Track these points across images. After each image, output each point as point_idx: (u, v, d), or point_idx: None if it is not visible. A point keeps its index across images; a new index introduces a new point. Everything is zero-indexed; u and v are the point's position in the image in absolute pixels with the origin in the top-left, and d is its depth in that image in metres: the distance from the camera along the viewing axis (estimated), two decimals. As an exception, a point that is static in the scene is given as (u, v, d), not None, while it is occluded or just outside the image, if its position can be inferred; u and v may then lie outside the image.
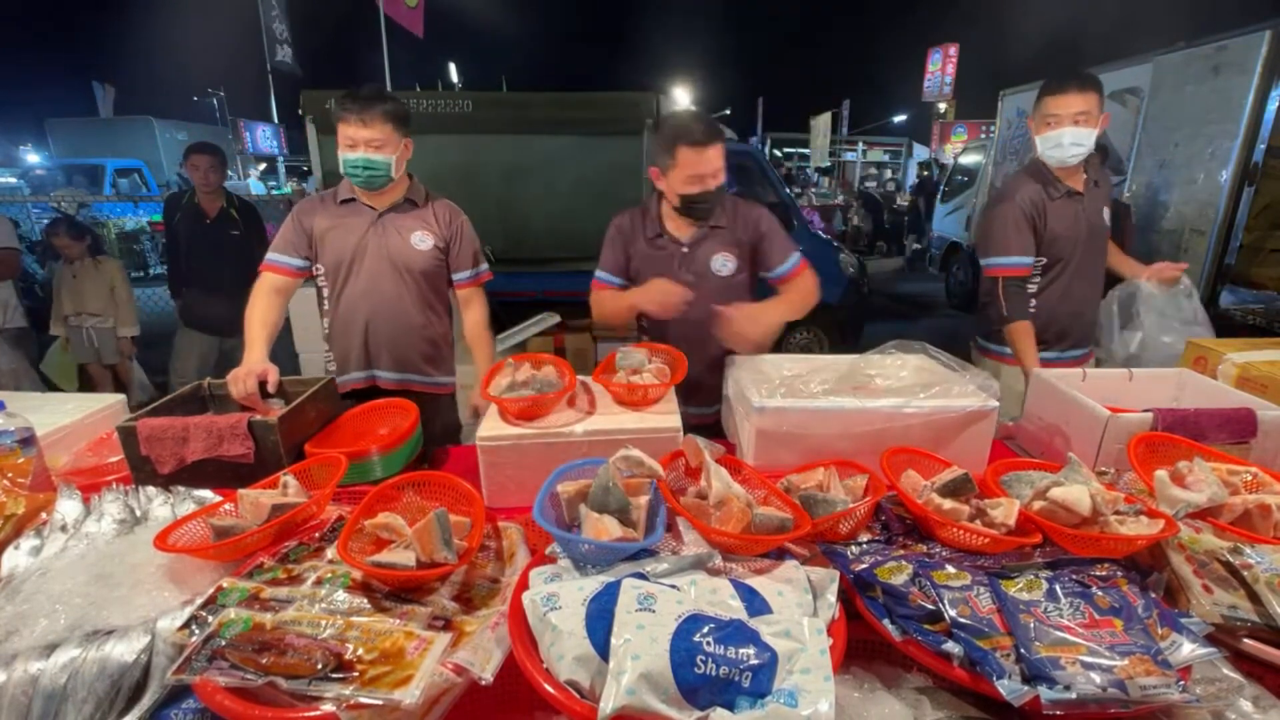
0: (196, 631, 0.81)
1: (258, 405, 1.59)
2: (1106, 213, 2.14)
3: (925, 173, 14.61)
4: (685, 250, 1.86)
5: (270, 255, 1.94)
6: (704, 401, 1.87)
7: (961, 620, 0.83)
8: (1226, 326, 3.72)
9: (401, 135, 1.90)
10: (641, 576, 0.85)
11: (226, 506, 1.11)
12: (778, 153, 20.19)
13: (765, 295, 1.92)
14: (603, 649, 0.73)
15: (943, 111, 20.84)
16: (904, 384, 1.62)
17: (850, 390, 1.66)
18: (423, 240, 1.99)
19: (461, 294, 2.11)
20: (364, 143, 1.82)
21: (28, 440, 1.26)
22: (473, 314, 2.11)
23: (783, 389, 1.50)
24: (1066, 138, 1.94)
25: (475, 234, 2.13)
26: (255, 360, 1.71)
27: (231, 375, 1.62)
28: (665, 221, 1.88)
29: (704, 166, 1.71)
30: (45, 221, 6.03)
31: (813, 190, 15.44)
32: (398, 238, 1.97)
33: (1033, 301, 2.11)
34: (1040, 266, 2.13)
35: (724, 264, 1.87)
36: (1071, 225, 2.08)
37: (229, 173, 3.95)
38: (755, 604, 0.84)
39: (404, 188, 2.01)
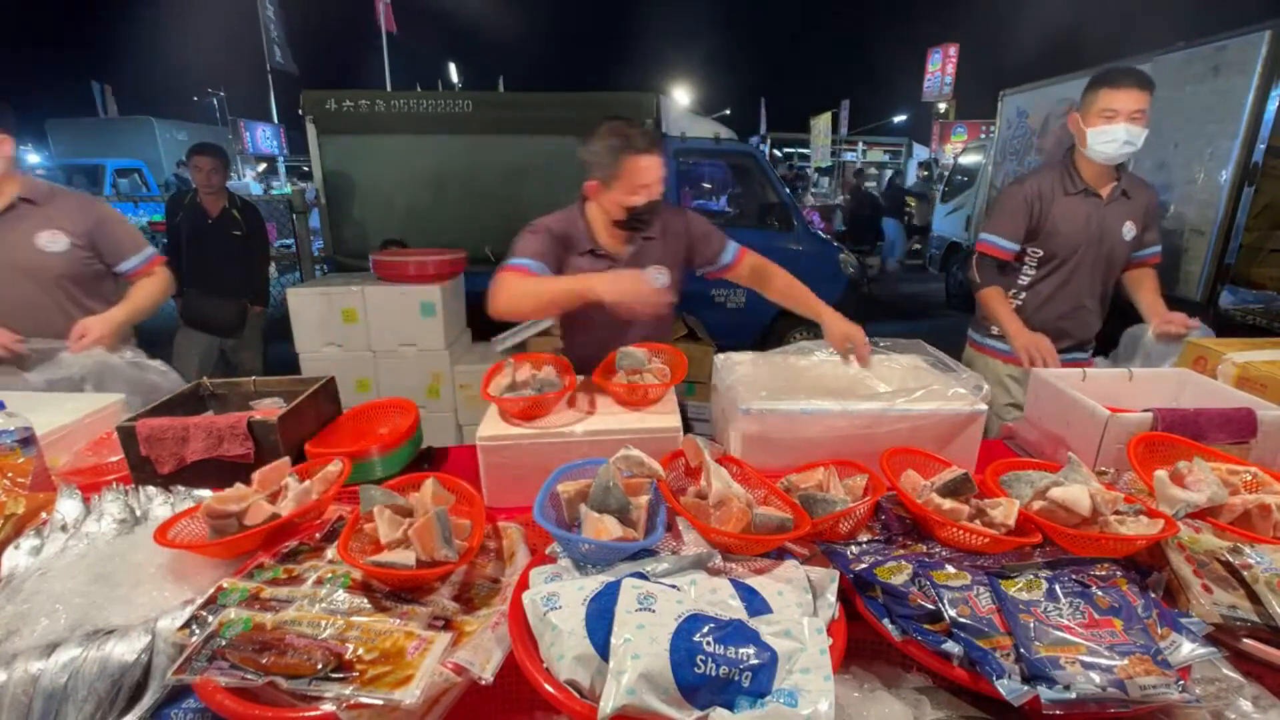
0: (197, 631, 0.81)
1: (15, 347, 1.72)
2: (1131, 228, 2.08)
3: (863, 180, 13.06)
4: (621, 267, 1.80)
5: None
6: None
7: (961, 620, 0.83)
8: (1226, 326, 3.72)
9: None
10: (641, 576, 0.85)
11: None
12: (777, 153, 20.18)
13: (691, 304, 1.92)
14: (603, 649, 0.73)
15: (943, 111, 20.83)
16: (894, 385, 1.61)
17: (844, 386, 1.66)
18: (53, 241, 1.87)
19: (138, 283, 2.02)
20: None
21: (28, 440, 1.26)
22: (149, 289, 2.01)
23: (764, 391, 1.49)
24: (1122, 134, 1.90)
25: (122, 217, 2.04)
26: None
27: None
28: (597, 235, 1.81)
29: (649, 175, 1.65)
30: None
31: (811, 190, 15.35)
32: (17, 241, 1.85)
33: (1021, 281, 2.18)
34: (1037, 259, 2.14)
35: (658, 277, 1.83)
36: (1079, 225, 2.07)
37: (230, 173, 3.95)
38: (755, 604, 0.84)
39: (15, 187, 1.86)
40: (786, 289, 1.91)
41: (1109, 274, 2.15)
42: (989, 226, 2.15)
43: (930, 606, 0.86)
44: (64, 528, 1.09)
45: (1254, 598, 0.90)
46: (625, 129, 1.66)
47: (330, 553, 1.00)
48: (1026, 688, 0.74)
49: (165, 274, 2.08)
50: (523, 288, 1.65)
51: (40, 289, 1.88)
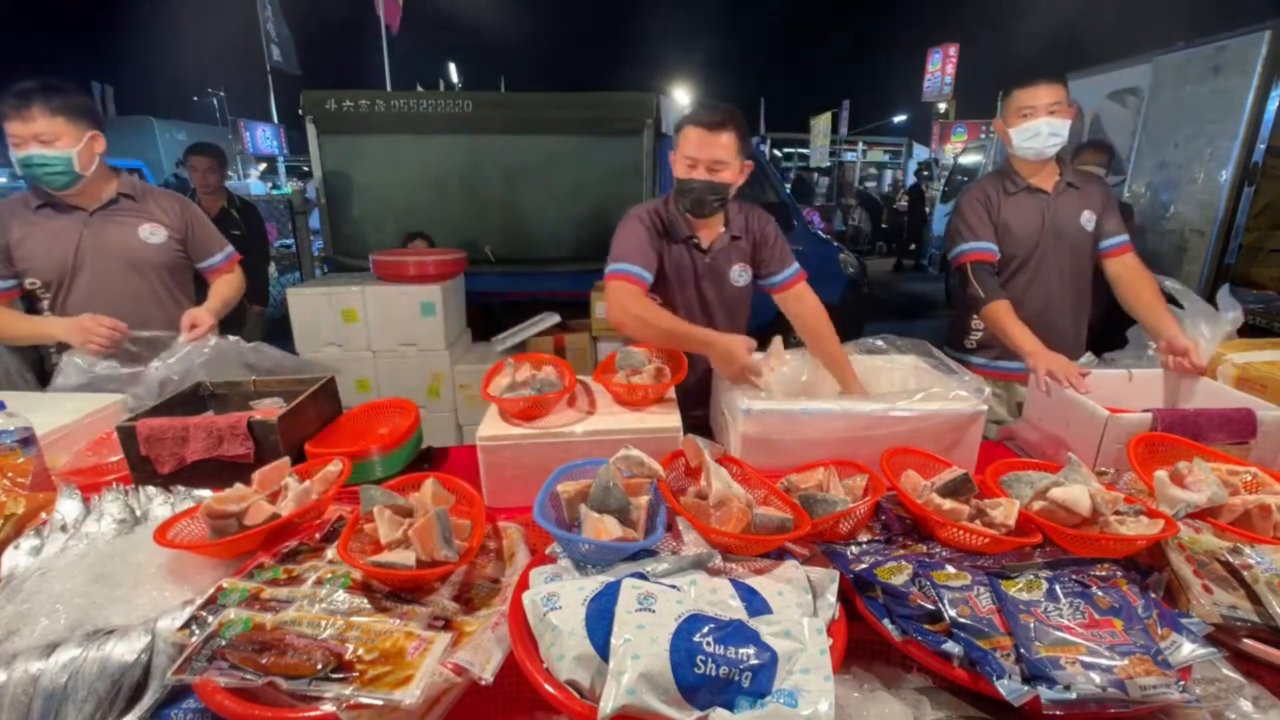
0: (197, 631, 0.81)
1: (124, 331, 1.79)
2: (1090, 217, 2.05)
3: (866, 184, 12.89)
4: (708, 260, 1.81)
5: None
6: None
7: (961, 620, 0.83)
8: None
9: (81, 127, 1.76)
10: (641, 576, 0.85)
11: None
12: (777, 153, 20.16)
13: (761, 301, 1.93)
14: (603, 649, 0.73)
15: (943, 111, 20.81)
16: (895, 386, 1.61)
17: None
18: (153, 233, 1.97)
19: (219, 279, 2.14)
20: (32, 138, 1.71)
21: (28, 440, 1.26)
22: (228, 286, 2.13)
23: (764, 391, 1.49)
24: (1044, 128, 1.93)
25: (206, 217, 2.16)
26: (73, 318, 1.79)
27: (83, 335, 1.73)
28: (686, 224, 1.77)
29: (701, 151, 1.62)
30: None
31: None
32: (123, 234, 1.92)
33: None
34: (999, 263, 2.10)
35: (740, 275, 1.84)
36: (1032, 221, 2.06)
37: (229, 173, 3.95)
38: (755, 604, 0.84)
39: (113, 182, 1.93)
40: (815, 338, 1.78)
41: (1078, 270, 2.10)
42: (966, 236, 2.08)
43: (930, 606, 0.86)
44: (64, 528, 1.09)
45: (1254, 598, 0.90)
46: (703, 104, 1.68)
47: (330, 553, 1.00)
48: (1026, 688, 0.74)
49: (240, 272, 2.20)
50: (642, 313, 1.60)
51: (142, 279, 1.98)
